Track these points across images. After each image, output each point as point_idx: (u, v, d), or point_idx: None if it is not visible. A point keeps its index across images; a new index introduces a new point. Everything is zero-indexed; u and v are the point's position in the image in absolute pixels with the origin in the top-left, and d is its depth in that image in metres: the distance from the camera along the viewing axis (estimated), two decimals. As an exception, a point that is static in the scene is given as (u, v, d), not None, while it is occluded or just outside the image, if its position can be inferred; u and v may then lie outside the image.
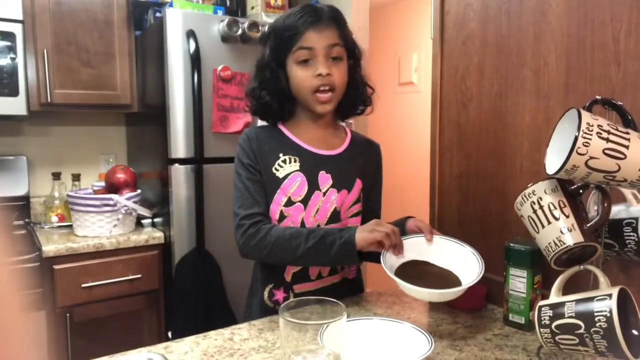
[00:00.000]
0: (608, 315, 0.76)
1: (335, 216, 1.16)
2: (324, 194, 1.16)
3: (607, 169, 0.78)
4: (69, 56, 2.18)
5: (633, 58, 0.97)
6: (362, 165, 1.24)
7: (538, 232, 0.89)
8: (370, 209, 1.26)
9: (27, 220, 2.35)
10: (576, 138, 0.77)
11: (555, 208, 0.86)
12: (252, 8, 2.41)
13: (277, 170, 1.15)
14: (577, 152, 0.77)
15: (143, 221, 2.29)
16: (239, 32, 2.05)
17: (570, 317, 0.82)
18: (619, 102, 0.85)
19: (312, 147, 1.19)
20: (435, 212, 1.44)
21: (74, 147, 2.56)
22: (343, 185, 1.18)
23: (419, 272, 1.08)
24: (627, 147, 0.77)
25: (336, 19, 1.14)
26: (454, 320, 1.14)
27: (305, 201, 1.14)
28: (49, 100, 2.13)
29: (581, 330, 0.80)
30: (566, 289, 0.89)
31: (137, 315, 2.11)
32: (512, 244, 1.10)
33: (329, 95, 1.12)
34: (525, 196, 0.91)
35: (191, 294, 2.03)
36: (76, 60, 2.20)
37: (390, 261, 1.07)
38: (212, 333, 1.06)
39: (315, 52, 1.11)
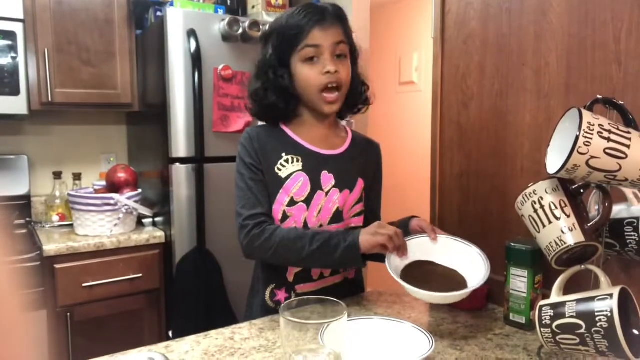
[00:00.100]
0: (609, 315, 0.76)
1: (337, 216, 1.16)
2: (327, 193, 1.16)
3: (608, 169, 0.78)
4: (69, 55, 2.18)
5: (634, 57, 0.97)
6: (363, 165, 1.25)
7: (539, 232, 0.89)
8: (370, 208, 1.26)
9: (28, 219, 2.35)
10: (577, 137, 0.76)
11: (556, 208, 0.86)
12: (253, 7, 2.41)
13: (280, 170, 1.15)
14: (578, 151, 0.77)
15: (144, 220, 2.29)
16: (240, 31, 2.05)
17: (571, 316, 0.82)
18: (620, 102, 0.85)
19: (314, 147, 1.19)
20: (436, 212, 1.44)
21: (75, 146, 2.56)
22: (345, 185, 1.18)
23: (424, 273, 1.08)
24: (628, 146, 0.77)
25: (340, 17, 1.15)
26: (454, 320, 1.14)
27: (307, 201, 1.14)
28: (49, 99, 2.13)
29: (582, 330, 0.80)
30: (567, 289, 0.89)
31: (138, 315, 2.11)
32: (512, 244, 1.10)
33: (336, 95, 1.13)
34: (526, 196, 0.91)
35: (192, 293, 2.03)
36: (77, 59, 2.20)
37: (395, 263, 1.07)
38: (212, 332, 1.07)
39: (321, 49, 1.11)
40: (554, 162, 0.83)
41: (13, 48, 2.05)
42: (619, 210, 0.92)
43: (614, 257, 0.98)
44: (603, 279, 0.84)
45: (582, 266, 0.88)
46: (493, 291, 1.21)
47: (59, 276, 1.93)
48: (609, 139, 0.77)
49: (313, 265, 1.16)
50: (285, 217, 1.14)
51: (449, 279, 1.08)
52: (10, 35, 2.04)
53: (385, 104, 3.82)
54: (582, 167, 0.78)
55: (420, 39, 3.50)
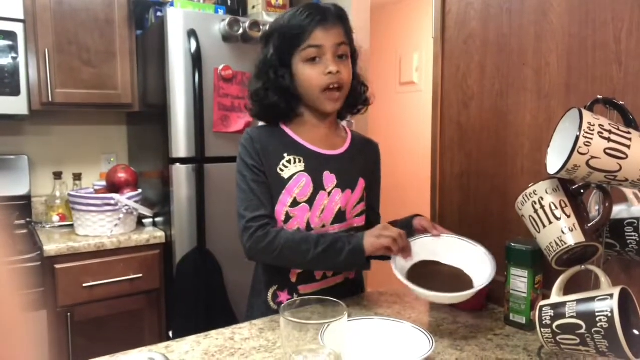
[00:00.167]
0: (609, 315, 0.76)
1: (340, 216, 1.17)
2: (329, 194, 1.16)
3: (608, 169, 0.78)
4: (70, 55, 2.18)
5: (634, 58, 0.97)
6: (363, 165, 1.25)
7: (539, 232, 0.89)
8: (371, 207, 1.27)
9: (28, 219, 2.35)
10: (577, 137, 0.76)
11: (557, 208, 0.86)
12: (253, 7, 2.41)
13: (282, 170, 1.15)
14: (578, 151, 0.77)
15: (144, 221, 2.29)
16: (240, 31, 2.05)
17: (572, 317, 0.82)
18: (621, 102, 0.85)
19: (315, 147, 1.19)
20: (436, 212, 1.44)
21: (75, 146, 2.56)
22: (347, 185, 1.18)
23: (430, 273, 1.08)
24: (628, 146, 0.77)
25: (342, 18, 1.15)
26: (454, 320, 1.14)
27: (310, 201, 1.14)
28: (50, 99, 2.13)
29: (582, 330, 0.80)
30: (567, 289, 0.89)
31: (138, 315, 2.11)
32: (513, 244, 1.09)
33: (338, 94, 1.14)
34: (526, 196, 0.91)
35: (192, 293, 2.03)
36: (77, 59, 2.20)
37: (400, 264, 1.08)
38: (213, 332, 1.06)
39: (323, 49, 1.11)
40: (554, 162, 0.83)
41: (13, 48, 2.05)
42: (619, 211, 0.92)
43: (614, 257, 0.98)
44: (603, 279, 0.84)
45: (583, 266, 0.88)
46: (493, 291, 1.21)
47: (59, 276, 1.93)
48: (609, 139, 0.77)
49: (317, 268, 1.16)
50: (288, 218, 1.14)
51: (455, 278, 1.08)
52: (10, 35, 2.04)
53: (386, 104, 3.82)
54: (582, 168, 0.78)
55: (421, 39, 3.50)
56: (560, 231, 0.85)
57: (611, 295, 0.78)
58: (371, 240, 1.06)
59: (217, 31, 2.06)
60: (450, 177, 1.39)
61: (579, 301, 0.82)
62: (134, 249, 2.08)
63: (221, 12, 2.26)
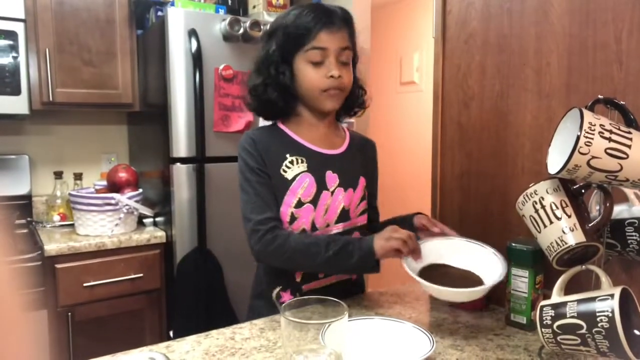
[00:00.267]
0: (610, 315, 0.76)
1: (344, 215, 1.17)
2: (332, 193, 1.16)
3: (609, 169, 0.78)
4: (70, 55, 2.18)
5: (635, 58, 0.97)
6: (363, 163, 1.26)
7: (540, 232, 0.89)
8: (370, 204, 1.28)
9: (29, 219, 2.35)
10: (578, 137, 0.76)
11: (557, 208, 0.86)
12: (254, 7, 2.41)
13: (285, 171, 1.15)
14: (579, 151, 0.77)
15: (145, 220, 2.29)
16: (241, 31, 2.05)
17: (572, 317, 0.82)
18: (621, 102, 0.85)
19: (316, 147, 1.19)
20: (437, 212, 1.44)
21: (76, 146, 2.56)
22: (349, 184, 1.19)
23: (440, 275, 1.08)
24: (629, 146, 0.77)
25: (348, 22, 1.15)
26: (455, 320, 1.14)
27: (314, 202, 1.14)
28: (50, 99, 2.13)
29: (583, 331, 0.80)
30: (568, 289, 0.89)
31: (139, 315, 2.11)
32: (513, 244, 1.09)
33: (338, 93, 1.14)
34: (527, 196, 0.91)
35: (193, 293, 2.03)
36: (78, 59, 2.20)
37: (410, 266, 1.08)
38: (213, 332, 1.06)
39: (327, 52, 1.11)
40: (555, 162, 0.83)
41: (14, 48, 2.05)
42: (620, 211, 0.92)
43: (615, 257, 0.98)
44: (604, 279, 0.84)
45: (583, 266, 0.88)
46: (494, 291, 1.20)
47: (59, 276, 1.93)
48: (610, 139, 0.77)
49: (327, 271, 1.16)
50: (293, 219, 1.13)
51: (465, 279, 1.08)
52: (11, 35, 2.04)
53: (386, 104, 3.82)
54: (583, 167, 0.78)
55: (421, 39, 3.50)
56: (561, 231, 0.85)
57: (612, 296, 0.78)
58: (381, 243, 1.06)
59: (218, 31, 2.06)
60: (450, 177, 1.39)
61: (579, 301, 0.82)
62: (135, 248, 2.08)
63: (222, 11, 2.26)
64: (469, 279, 1.08)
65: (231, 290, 2.09)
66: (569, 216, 0.85)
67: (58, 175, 2.37)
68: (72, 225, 2.20)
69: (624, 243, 0.92)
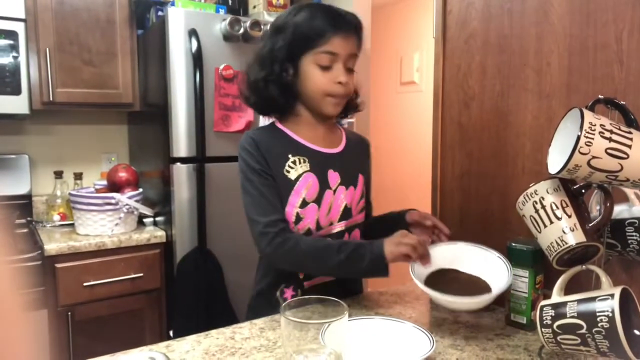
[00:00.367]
0: (610, 315, 0.76)
1: (346, 213, 1.18)
2: (334, 192, 1.17)
3: (609, 169, 0.78)
4: (71, 55, 2.19)
5: (636, 58, 0.96)
6: (360, 161, 1.28)
7: (540, 232, 0.89)
8: (367, 201, 1.29)
9: (29, 219, 2.35)
10: (578, 137, 0.76)
11: (558, 208, 0.86)
12: (254, 7, 2.41)
13: (289, 172, 1.14)
14: (579, 151, 0.77)
15: (145, 220, 2.29)
16: (241, 31, 2.05)
17: (572, 317, 0.82)
18: (622, 102, 0.85)
19: (316, 146, 1.19)
20: (437, 212, 1.43)
21: (76, 145, 2.57)
22: (350, 182, 1.20)
23: (448, 281, 1.09)
24: (629, 146, 0.77)
25: (359, 29, 1.15)
26: (455, 320, 1.14)
27: (318, 201, 1.14)
28: (51, 99, 2.13)
29: (583, 330, 0.80)
30: (568, 289, 0.89)
31: (139, 314, 2.11)
32: (513, 244, 1.09)
33: (341, 100, 1.15)
34: (527, 196, 0.91)
35: (193, 292, 2.03)
36: (78, 59, 2.20)
37: (418, 271, 1.08)
38: (213, 332, 1.06)
39: (337, 58, 1.11)
40: (555, 162, 0.83)
41: (14, 47, 2.06)
42: (620, 211, 0.92)
43: (615, 257, 0.98)
44: (604, 279, 0.84)
45: (583, 266, 0.88)
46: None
47: (59, 275, 1.93)
48: (610, 139, 0.77)
49: (337, 274, 1.17)
50: (298, 219, 1.13)
51: (473, 285, 1.08)
52: (11, 34, 2.04)
53: (386, 104, 3.82)
54: (583, 167, 0.78)
55: (421, 39, 3.50)
56: (561, 231, 0.85)
57: (612, 295, 0.78)
58: (391, 248, 1.06)
59: (218, 31, 2.06)
60: (451, 177, 1.39)
61: (579, 301, 0.82)
62: (135, 248, 2.09)
63: (222, 11, 2.26)
64: (476, 284, 1.09)
65: (231, 290, 2.09)
66: (569, 216, 0.85)
67: (58, 174, 2.37)
68: (72, 224, 2.20)
69: (624, 243, 0.92)
